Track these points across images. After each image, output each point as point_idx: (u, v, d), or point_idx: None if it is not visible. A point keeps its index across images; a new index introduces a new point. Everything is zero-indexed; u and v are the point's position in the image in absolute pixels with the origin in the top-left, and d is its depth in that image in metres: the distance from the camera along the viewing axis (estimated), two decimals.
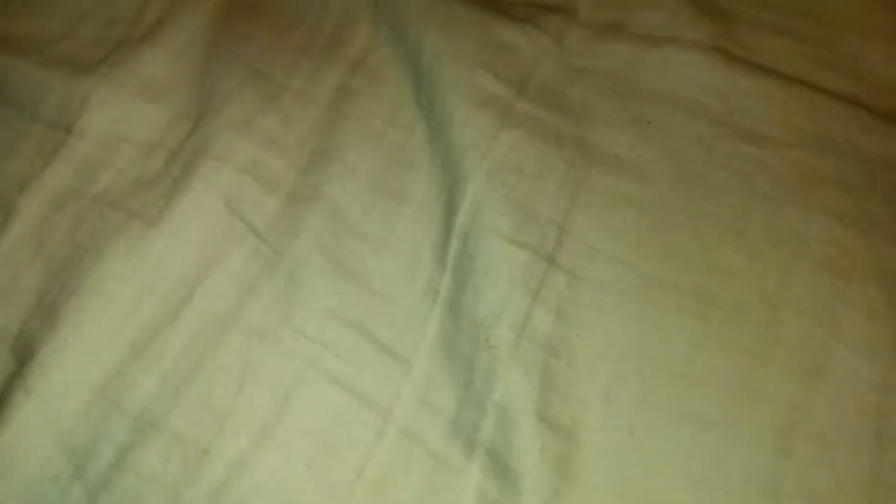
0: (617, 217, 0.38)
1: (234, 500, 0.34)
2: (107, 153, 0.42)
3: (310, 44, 0.46)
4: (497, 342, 0.35)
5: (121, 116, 0.42)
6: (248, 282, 0.38)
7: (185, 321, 0.37)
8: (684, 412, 0.34)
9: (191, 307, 0.37)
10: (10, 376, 0.36)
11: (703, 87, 0.40)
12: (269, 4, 0.48)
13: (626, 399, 0.34)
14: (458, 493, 0.34)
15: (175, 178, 0.41)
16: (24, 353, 0.36)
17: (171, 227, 0.39)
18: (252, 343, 0.37)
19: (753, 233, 0.36)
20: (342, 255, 0.39)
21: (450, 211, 0.38)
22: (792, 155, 0.38)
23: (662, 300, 0.36)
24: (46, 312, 0.37)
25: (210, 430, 0.35)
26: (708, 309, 0.35)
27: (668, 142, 0.39)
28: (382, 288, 0.38)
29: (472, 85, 0.40)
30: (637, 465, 0.33)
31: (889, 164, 0.38)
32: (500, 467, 0.34)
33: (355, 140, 0.42)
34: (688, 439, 0.33)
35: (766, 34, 0.42)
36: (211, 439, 0.35)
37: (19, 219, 0.40)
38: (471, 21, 0.42)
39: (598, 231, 0.37)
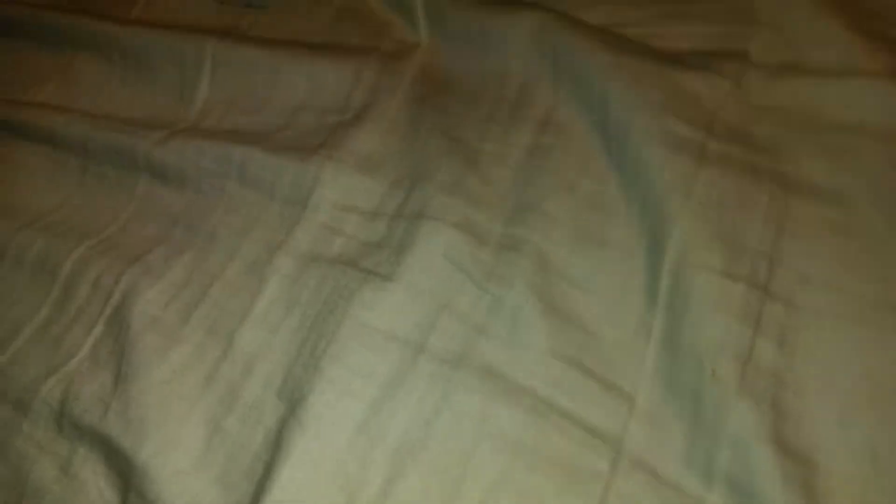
0: (825, 244, 0.39)
1: None
2: (338, 222, 0.48)
3: (496, 110, 0.51)
4: (724, 373, 0.37)
5: (346, 190, 0.49)
6: (476, 325, 0.42)
7: (424, 362, 0.42)
8: None
9: (427, 349, 0.42)
10: (283, 419, 0.42)
11: (892, 113, 0.42)
12: (455, 80, 0.54)
13: (863, 424, 0.35)
14: None
15: (400, 239, 0.46)
16: (294, 397, 0.42)
17: (403, 280, 0.44)
18: (486, 378, 0.41)
19: None
20: (554, 297, 0.42)
21: (656, 251, 0.41)
22: None
23: (883, 321, 0.37)
24: (308, 360, 0.43)
25: (460, 462, 0.39)
26: None
27: (865, 167, 0.41)
28: (596, 328, 0.41)
29: (664, 131, 0.43)
30: (884, 491, 0.33)
31: None
32: (743, 496, 0.35)
33: (551, 192, 0.46)
34: None
35: None
36: (462, 470, 0.39)
37: (270, 282, 0.47)
38: (652, 73, 0.46)
39: (808, 258, 0.39)
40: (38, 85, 0.64)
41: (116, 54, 0.63)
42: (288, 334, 0.45)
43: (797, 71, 0.45)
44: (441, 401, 0.40)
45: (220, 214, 0.51)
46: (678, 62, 0.47)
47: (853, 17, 0.46)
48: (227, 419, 0.42)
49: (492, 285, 0.43)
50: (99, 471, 0.42)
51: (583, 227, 0.44)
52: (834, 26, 0.46)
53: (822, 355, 0.37)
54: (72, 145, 0.59)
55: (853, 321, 0.37)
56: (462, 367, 0.41)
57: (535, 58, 0.51)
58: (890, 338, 0.36)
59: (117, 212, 0.54)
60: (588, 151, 0.47)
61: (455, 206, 0.46)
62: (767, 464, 0.35)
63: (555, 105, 0.50)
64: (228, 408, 0.42)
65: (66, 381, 0.46)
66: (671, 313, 0.40)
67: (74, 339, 0.47)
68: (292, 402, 0.41)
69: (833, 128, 0.43)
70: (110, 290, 0.48)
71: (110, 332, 0.46)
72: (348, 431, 0.40)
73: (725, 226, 0.40)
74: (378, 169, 0.50)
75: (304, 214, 0.49)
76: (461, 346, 0.42)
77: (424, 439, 0.40)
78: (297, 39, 0.60)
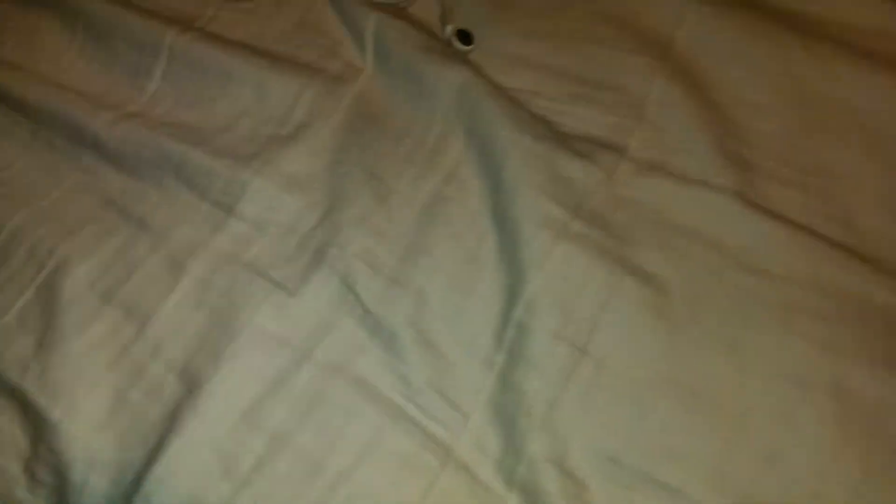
0: (640, 320, 0.49)
1: (337, 499, 0.46)
2: (257, 232, 0.55)
3: (415, 153, 0.59)
4: (535, 413, 0.47)
5: (268, 204, 0.56)
6: (357, 343, 0.51)
7: (308, 367, 0.50)
8: (678, 484, 0.44)
9: (313, 358, 0.50)
10: (180, 398, 0.49)
11: (723, 226, 0.51)
12: (387, 115, 0.61)
13: (629, 465, 0.45)
14: None
15: (307, 259, 0.54)
16: (192, 381, 0.50)
17: (304, 297, 0.52)
18: (357, 389, 0.49)
19: (745, 350, 0.46)
20: (427, 330, 0.51)
21: (509, 305, 0.50)
22: (786, 289, 0.48)
23: (667, 392, 0.46)
24: (209, 352, 0.50)
25: (325, 448, 0.48)
26: (702, 405, 0.45)
27: (688, 266, 0.50)
28: (454, 358, 0.50)
29: (538, 208, 0.52)
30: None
31: (858, 298, 0.47)
32: (533, 500, 0.45)
33: (441, 239, 0.54)
34: None
35: (779, 185, 0.52)
36: (325, 454, 0.47)
37: (187, 277, 0.54)
38: (541, 156, 0.54)
39: (623, 330, 0.48)
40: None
41: (81, 25, 0.67)
42: (195, 326, 0.52)
43: (661, 171, 0.54)
44: (315, 401, 0.49)
45: (152, 204, 0.57)
46: (566, 146, 0.55)
47: (718, 134, 0.54)
48: (132, 392, 0.50)
49: (377, 311, 0.51)
50: (15, 420, 0.50)
51: (459, 275, 0.53)
52: (701, 139, 0.54)
53: (613, 405, 0.46)
54: (25, 108, 0.64)
55: (646, 386, 0.47)
56: (339, 376, 0.50)
57: (456, 113, 0.59)
58: (667, 406, 0.46)
59: (59, 181, 0.60)
60: (478, 210, 0.55)
61: (359, 238, 0.54)
62: (550, 483, 0.45)
63: (462, 160, 0.57)
64: (134, 382, 0.50)
65: None
66: (510, 357, 0.49)
67: (5, 300, 0.54)
68: (190, 385, 0.49)
69: (675, 227, 0.52)
70: (44, 260, 0.54)
71: (38, 299, 0.53)
72: (233, 417, 0.48)
73: (566, 294, 0.49)
74: (300, 189, 0.57)
75: (227, 220, 0.56)
76: (341, 358, 0.50)
77: (295, 431, 0.48)
78: (254, 44, 0.66)
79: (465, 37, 0.64)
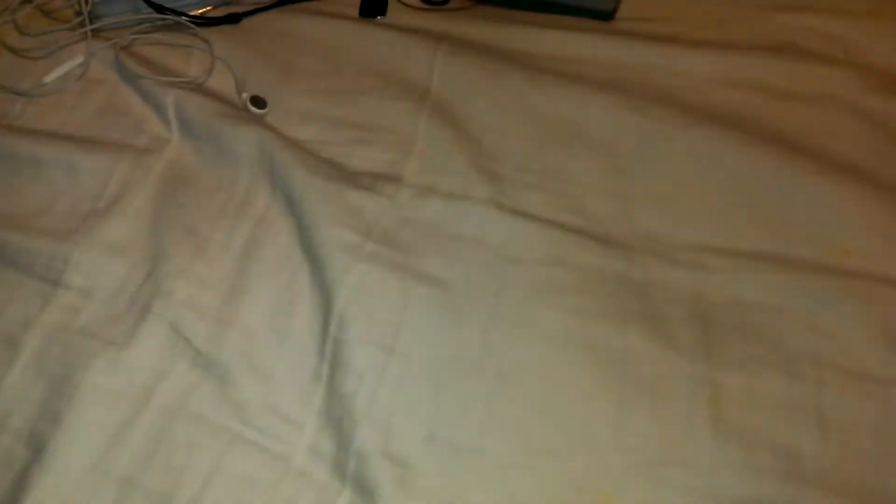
0: (432, 316, 0.59)
1: None
2: (85, 298, 0.60)
3: (227, 205, 0.67)
4: (356, 410, 0.55)
5: (93, 271, 0.61)
6: (191, 383, 0.57)
7: (147, 414, 0.56)
8: (478, 444, 0.54)
9: (151, 404, 0.56)
10: (28, 463, 0.53)
11: (485, 228, 0.63)
12: (197, 176, 0.69)
13: (440, 438, 0.54)
14: None
15: (136, 315, 0.60)
16: (38, 446, 0.54)
17: (135, 350, 0.58)
18: (196, 424, 0.56)
19: (512, 322, 0.59)
20: (254, 358, 0.58)
21: (325, 323, 0.59)
22: (537, 270, 0.61)
23: (459, 371, 0.57)
24: (52, 417, 0.55)
25: (172, 483, 0.53)
26: (485, 374, 0.57)
27: (463, 265, 0.62)
28: (284, 378, 0.58)
29: (335, 236, 0.62)
30: (447, 482, 0.53)
31: (596, 270, 0.61)
32: (362, 489, 0.53)
33: (260, 277, 0.62)
34: (483, 466, 0.53)
35: (524, 189, 0.66)
36: (172, 489, 0.53)
37: (24, 350, 0.58)
38: (332, 191, 0.64)
39: (421, 327, 0.59)
40: None
41: None
42: (37, 394, 0.56)
43: (434, 193, 0.66)
44: (158, 442, 0.55)
45: None
46: (354, 181, 0.66)
47: (473, 156, 0.67)
48: None
49: (207, 351, 0.58)
50: None
51: (280, 305, 0.61)
52: (461, 161, 0.67)
53: (420, 391, 0.56)
54: None
55: (440, 369, 0.57)
56: (177, 416, 0.56)
57: (258, 167, 0.68)
58: (459, 379, 0.56)
59: None
60: (289, 246, 0.64)
61: (183, 287, 0.61)
62: (375, 467, 0.53)
63: (270, 206, 0.66)
64: None
65: None
66: (332, 367, 0.58)
67: None
68: (36, 449, 0.53)
69: (450, 236, 0.63)
70: None
71: None
72: (80, 470, 0.53)
73: (368, 306, 0.59)
74: (122, 253, 0.63)
75: (55, 291, 0.60)
76: (178, 399, 0.56)
77: (142, 473, 0.53)
78: (62, 131, 0.71)
79: (258, 102, 0.74)
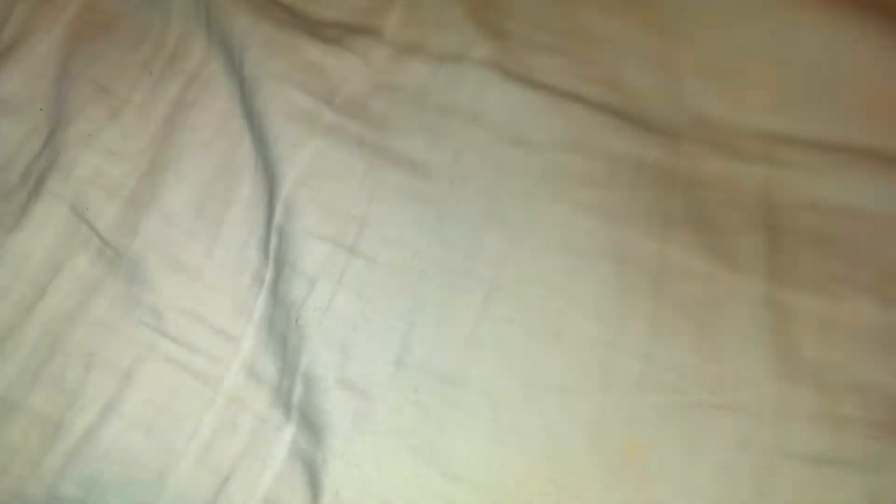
0: (408, 210, 0.45)
1: (84, 464, 0.41)
2: None
3: (153, 59, 0.52)
4: (304, 322, 0.42)
5: None
6: (94, 280, 0.44)
7: (37, 317, 0.43)
8: (463, 373, 0.41)
9: (42, 304, 0.43)
10: None
11: (483, 100, 0.48)
12: (119, 22, 0.53)
13: (413, 363, 0.42)
14: (275, 445, 0.41)
15: (29, 190, 0.46)
16: None
17: (25, 233, 0.44)
18: (97, 333, 0.43)
19: (513, 221, 0.44)
20: (177, 252, 0.45)
21: (270, 210, 0.45)
22: (549, 156, 0.46)
23: (441, 280, 0.43)
24: None
25: (62, 407, 0.41)
26: (475, 285, 0.43)
27: (453, 146, 0.47)
28: (215, 280, 0.45)
29: (284, 100, 0.47)
30: (420, 419, 0.41)
31: (630, 160, 0.46)
32: (309, 423, 0.41)
33: (188, 149, 0.48)
34: (468, 401, 0.41)
35: (537, 52, 0.49)
36: (63, 415, 0.41)
37: None
38: (285, 43, 0.49)
39: (392, 223, 0.45)
40: None
41: None
42: None
43: (419, 52, 0.50)
44: (49, 353, 0.42)
45: None
46: (315, 34, 0.50)
47: (473, 6, 0.51)
48: None
49: (115, 240, 0.45)
50: None
51: (212, 186, 0.47)
52: (457, 13, 0.51)
53: (391, 305, 0.43)
54: None
55: (420, 278, 0.43)
56: (77, 322, 0.43)
57: (194, 11, 0.52)
58: (444, 294, 0.43)
59: None
60: (228, 111, 0.49)
61: (88, 159, 0.47)
62: (325, 397, 0.41)
63: (207, 60, 0.51)
64: None
65: None
66: (277, 268, 0.44)
67: None
68: None
69: (437, 108, 0.48)
70: None
71: None
72: None
73: (325, 192, 0.45)
74: (17, 113, 0.49)
75: None
76: (78, 299, 0.44)
77: (28, 391, 0.41)
78: None
79: None
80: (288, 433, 0.42)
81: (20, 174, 0.47)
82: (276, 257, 0.44)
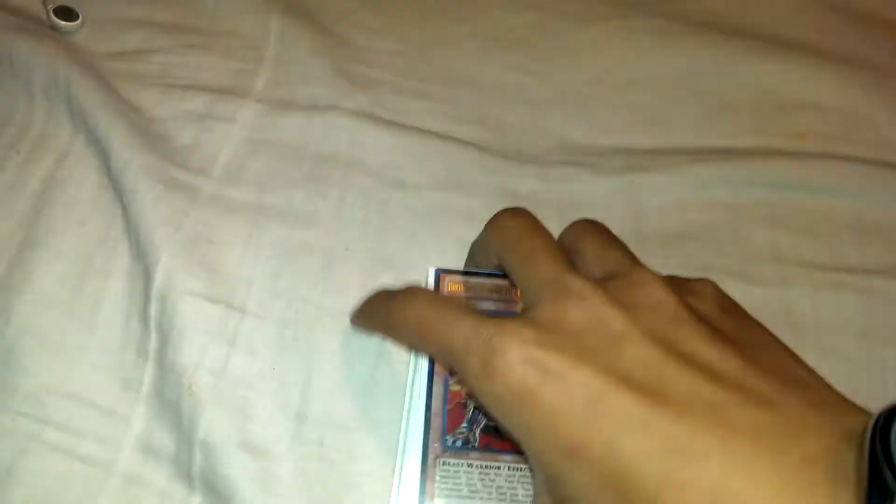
0: (295, 263, 0.45)
1: None
2: None
3: (20, 139, 0.50)
4: (198, 388, 0.41)
5: None
6: None
7: None
8: (366, 419, 0.41)
9: None
10: None
11: (360, 146, 0.49)
12: None
13: (314, 416, 0.41)
14: None
15: None
16: None
17: None
18: None
19: (400, 262, 0.45)
20: (54, 333, 0.43)
21: (148, 281, 0.44)
22: (429, 196, 0.48)
23: (336, 327, 0.44)
24: None
25: None
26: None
27: (335, 194, 0.48)
28: (97, 357, 0.43)
29: (161, 175, 0.47)
30: (325, 473, 0.40)
31: (506, 192, 0.49)
32: (215, 492, 0.40)
33: (62, 226, 0.46)
34: (373, 447, 0.41)
35: (406, 98, 0.52)
36: None
37: None
38: (149, 126, 0.49)
39: (279, 277, 0.45)
40: None
41: None
42: None
43: (291, 106, 0.51)
44: None
45: None
46: (183, 102, 0.51)
47: (340, 59, 0.53)
48: None
49: None
50: None
51: (89, 261, 0.45)
52: (325, 66, 0.53)
53: (288, 359, 0.42)
54: None
55: (314, 328, 0.43)
56: None
57: (55, 92, 0.51)
58: (343, 339, 0.43)
59: None
60: (103, 185, 0.48)
61: None
62: (227, 463, 0.39)
63: (74, 135, 0.50)
64: None
65: None
66: (161, 336, 0.43)
67: None
68: None
69: (315, 159, 0.49)
70: None
71: None
72: None
73: (211, 257, 0.45)
74: None
75: None
76: None
77: None
78: None
79: (66, 13, 0.57)
80: None
81: None
82: (159, 325, 0.43)
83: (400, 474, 0.38)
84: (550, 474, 0.29)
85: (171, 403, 0.42)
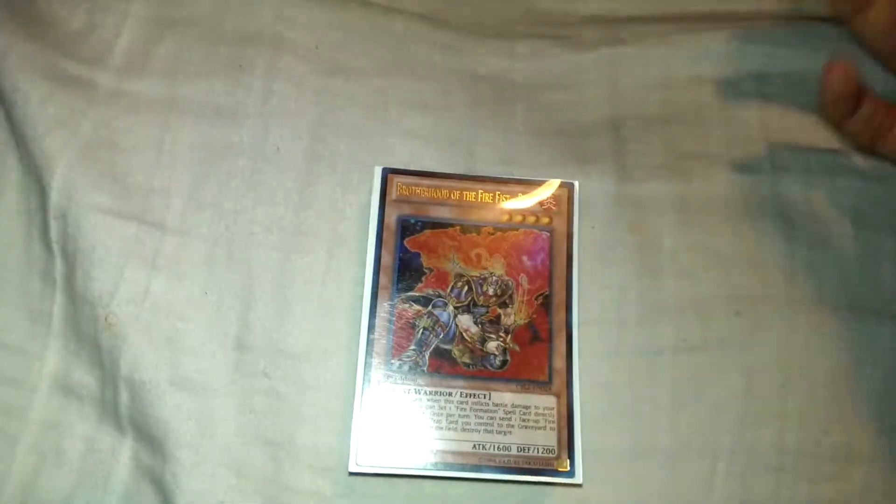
0: (216, 167, 0.39)
1: None
2: None
3: None
4: (116, 319, 0.35)
5: None
6: None
7: None
8: (317, 348, 0.36)
9: None
10: None
11: (289, 23, 0.41)
12: None
13: (258, 346, 0.36)
14: (114, 467, 0.35)
15: None
16: None
17: None
18: None
19: (339, 163, 0.39)
20: None
21: (44, 193, 0.37)
22: (375, 83, 0.41)
23: (276, 242, 0.38)
24: None
25: None
26: (315, 241, 0.38)
27: (261, 83, 0.40)
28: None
29: (47, 68, 0.38)
30: (275, 408, 0.35)
31: (464, 74, 0.42)
32: (147, 436, 0.35)
33: None
34: (327, 379, 0.36)
35: None
36: None
37: None
38: (32, 15, 0.40)
39: (203, 187, 0.38)
40: None
41: None
42: None
43: None
44: None
45: None
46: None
47: None
48: None
49: None
50: None
51: None
52: None
53: (217, 280, 0.37)
54: None
55: (236, 242, 0.37)
56: None
57: None
58: (268, 260, 0.37)
59: None
60: None
61: None
62: (159, 402, 0.35)
63: None
64: None
65: None
66: (66, 260, 0.37)
67: None
68: None
69: (235, 40, 0.41)
70: None
71: None
72: None
73: (117, 164, 0.38)
74: None
75: None
76: None
77: None
78: None
79: None
80: (126, 451, 0.35)
81: None
82: (63, 248, 0.37)
83: (352, 403, 0.34)
84: None
85: (88, 337, 0.36)
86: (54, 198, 0.37)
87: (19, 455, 0.35)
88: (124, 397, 0.35)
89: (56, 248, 0.37)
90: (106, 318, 0.35)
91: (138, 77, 0.40)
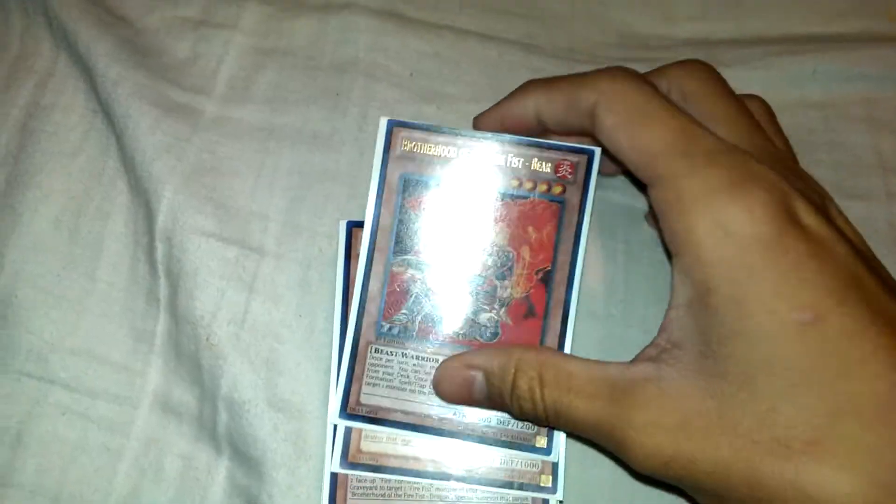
0: (314, 192, 0.39)
1: None
2: None
3: None
4: (217, 340, 0.36)
5: None
6: None
7: None
8: None
9: None
10: None
11: (383, 52, 0.42)
12: None
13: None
14: (210, 486, 0.36)
15: None
16: None
17: None
18: None
19: None
20: (53, 282, 0.38)
21: (150, 218, 0.39)
22: (468, 109, 0.40)
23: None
24: None
25: None
26: None
27: (357, 109, 0.41)
28: (104, 308, 0.38)
29: (155, 96, 0.40)
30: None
31: None
32: (243, 455, 0.36)
33: (50, 160, 0.40)
34: None
35: None
36: None
37: None
38: (139, 44, 0.42)
39: (294, 209, 0.39)
40: None
41: None
42: None
43: (301, 6, 0.43)
44: None
45: None
46: (176, 13, 0.43)
47: None
48: None
49: None
50: None
51: (84, 199, 0.40)
52: None
53: (311, 304, 0.37)
54: None
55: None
56: None
57: (31, 1, 0.44)
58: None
59: None
60: (90, 109, 0.42)
61: None
62: (258, 423, 0.35)
63: (56, 54, 0.43)
64: None
65: None
66: (170, 281, 0.38)
67: None
68: None
69: (331, 68, 0.42)
70: None
71: None
72: None
73: (220, 190, 0.39)
74: None
75: None
76: None
77: None
78: None
79: None
80: (222, 470, 0.36)
81: None
82: (168, 269, 0.38)
83: (338, 364, 0.34)
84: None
85: (189, 356, 0.37)
86: (161, 221, 0.38)
87: (121, 470, 0.36)
88: (223, 416, 0.36)
89: (161, 269, 0.38)
90: (207, 339, 0.36)
91: (240, 104, 0.41)
